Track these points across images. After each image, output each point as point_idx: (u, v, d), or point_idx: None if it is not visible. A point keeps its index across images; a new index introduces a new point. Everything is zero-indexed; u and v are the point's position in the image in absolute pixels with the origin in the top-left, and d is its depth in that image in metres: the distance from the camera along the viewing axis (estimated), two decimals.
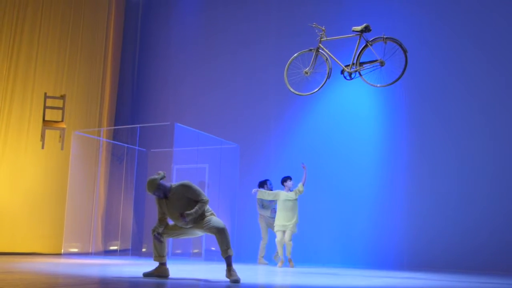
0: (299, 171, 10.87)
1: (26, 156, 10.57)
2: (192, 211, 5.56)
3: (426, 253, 9.54)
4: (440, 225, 9.55)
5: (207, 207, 5.82)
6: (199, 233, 5.90)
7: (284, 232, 8.79)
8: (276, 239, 8.86)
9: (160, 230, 5.77)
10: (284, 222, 8.79)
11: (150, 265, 7.78)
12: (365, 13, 10.52)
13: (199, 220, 5.68)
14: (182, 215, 5.52)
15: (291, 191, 8.99)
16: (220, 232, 5.52)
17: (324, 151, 10.79)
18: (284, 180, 9.13)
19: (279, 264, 8.72)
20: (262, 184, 9.55)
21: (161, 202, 5.78)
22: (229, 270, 5.48)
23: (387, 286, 5.77)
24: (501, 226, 9.06)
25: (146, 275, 5.79)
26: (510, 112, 9.43)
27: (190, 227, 5.74)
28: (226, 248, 5.50)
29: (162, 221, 5.82)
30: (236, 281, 5.37)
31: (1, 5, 10.51)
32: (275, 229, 8.91)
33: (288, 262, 8.71)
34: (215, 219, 5.70)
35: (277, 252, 9.00)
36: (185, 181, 5.78)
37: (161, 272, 5.80)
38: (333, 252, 10.28)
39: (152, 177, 5.67)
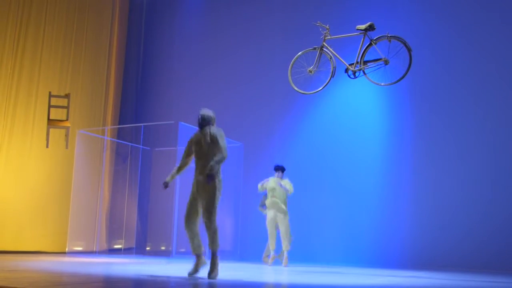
0: (302, 169, 10.89)
1: (31, 155, 10.60)
2: (209, 167, 5.77)
3: (430, 252, 9.52)
4: (444, 224, 9.53)
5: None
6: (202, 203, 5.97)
7: (275, 224, 8.79)
8: (269, 235, 8.88)
9: (170, 181, 6.09)
10: (274, 213, 8.79)
11: (154, 264, 7.80)
12: (369, 11, 10.49)
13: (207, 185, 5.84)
14: (208, 176, 5.74)
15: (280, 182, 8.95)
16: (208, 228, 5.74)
17: (328, 150, 10.78)
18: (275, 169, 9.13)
19: (270, 260, 8.68)
20: None
21: (195, 141, 6.06)
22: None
23: (390, 285, 5.77)
24: (505, 225, 9.03)
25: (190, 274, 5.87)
26: None
27: (202, 190, 5.88)
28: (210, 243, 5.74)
29: (181, 168, 6.18)
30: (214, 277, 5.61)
31: (5, 4, 10.55)
32: (267, 222, 8.89)
33: (282, 259, 8.72)
34: (212, 201, 5.84)
35: (280, 252, 8.97)
36: (217, 128, 6.09)
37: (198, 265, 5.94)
38: (337, 250, 10.26)
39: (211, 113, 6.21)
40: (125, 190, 12.27)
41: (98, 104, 12.11)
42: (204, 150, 5.96)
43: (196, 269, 5.87)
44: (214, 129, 6.05)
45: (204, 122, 6.11)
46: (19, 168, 10.47)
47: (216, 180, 5.89)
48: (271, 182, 9.02)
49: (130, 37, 13.49)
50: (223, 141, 5.98)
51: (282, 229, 8.77)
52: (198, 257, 5.91)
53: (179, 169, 6.20)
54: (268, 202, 8.97)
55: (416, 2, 10.52)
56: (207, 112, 6.20)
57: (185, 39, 13.20)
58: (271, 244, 8.83)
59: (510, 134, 9.37)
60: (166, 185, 6.06)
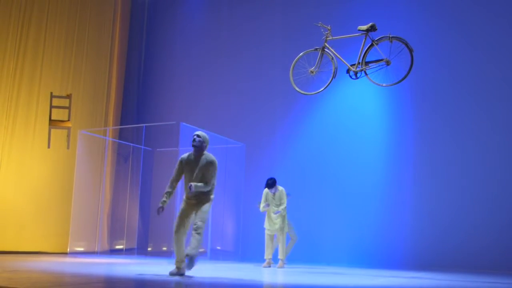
0: (303, 170, 10.89)
1: (32, 155, 10.61)
2: (199, 184, 5.93)
3: (432, 253, 9.51)
4: (446, 225, 9.52)
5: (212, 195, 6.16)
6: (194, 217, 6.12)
7: (272, 234, 8.68)
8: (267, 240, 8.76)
9: (165, 201, 6.08)
10: (271, 224, 8.68)
11: (156, 264, 7.80)
12: (371, 12, 10.49)
13: (200, 202, 6.01)
14: (190, 186, 5.88)
15: (274, 192, 8.75)
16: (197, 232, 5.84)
17: (330, 150, 10.77)
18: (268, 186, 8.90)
19: (265, 264, 8.59)
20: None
21: (186, 161, 6.14)
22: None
23: (393, 285, 5.76)
24: (508, 226, 9.01)
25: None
26: None
27: (192, 208, 6.02)
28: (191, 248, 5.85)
29: (171, 193, 6.18)
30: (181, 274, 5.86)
31: (7, 5, 10.57)
32: (265, 232, 8.76)
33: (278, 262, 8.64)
34: (203, 216, 5.97)
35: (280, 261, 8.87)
36: (213, 158, 6.15)
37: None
38: (339, 251, 10.26)
39: (206, 136, 6.23)
40: (126, 190, 12.27)
41: (100, 104, 12.12)
42: (198, 175, 6.08)
43: (177, 271, 5.99)
44: (210, 158, 6.15)
45: (200, 145, 6.14)
46: (21, 169, 10.48)
47: (211, 197, 6.14)
48: (267, 196, 8.82)
49: (132, 37, 13.50)
50: (215, 172, 6.12)
51: (279, 238, 8.66)
52: (180, 262, 6.00)
53: (170, 194, 6.21)
54: (266, 224, 8.81)
55: (417, 2, 10.52)
56: (203, 135, 6.22)
57: (186, 40, 13.21)
58: (266, 253, 8.72)
59: None
60: (161, 209, 6.07)
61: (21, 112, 10.58)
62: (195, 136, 6.16)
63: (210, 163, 6.09)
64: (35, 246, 10.45)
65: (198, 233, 5.87)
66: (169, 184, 6.21)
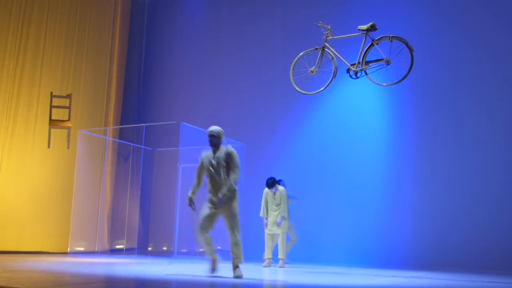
0: (304, 170, 10.88)
1: (33, 155, 10.62)
2: (224, 191, 5.97)
3: (432, 253, 9.51)
4: (446, 225, 9.52)
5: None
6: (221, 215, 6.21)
7: (272, 234, 8.68)
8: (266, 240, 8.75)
9: (193, 196, 6.18)
10: (271, 225, 8.69)
11: (156, 264, 7.80)
12: (371, 12, 10.49)
13: (227, 201, 6.06)
14: (218, 200, 5.98)
15: (275, 191, 8.78)
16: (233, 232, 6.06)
17: (330, 150, 10.77)
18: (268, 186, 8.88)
19: (265, 263, 8.58)
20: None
21: (207, 158, 6.17)
22: (235, 270, 5.94)
23: (393, 285, 5.76)
24: (508, 226, 9.01)
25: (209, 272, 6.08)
26: None
27: (220, 208, 6.09)
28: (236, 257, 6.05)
29: (197, 186, 6.24)
30: (239, 276, 5.83)
31: (7, 5, 10.58)
32: (265, 232, 8.75)
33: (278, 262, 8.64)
34: (233, 214, 6.10)
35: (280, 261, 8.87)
36: (231, 148, 6.21)
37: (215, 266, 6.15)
38: (339, 251, 10.26)
39: (220, 129, 6.24)
40: (127, 190, 12.28)
41: (100, 104, 12.12)
42: (218, 169, 6.10)
43: (214, 268, 6.10)
44: (229, 148, 6.20)
45: (215, 140, 6.19)
46: (21, 168, 10.49)
47: (234, 194, 6.16)
48: (267, 196, 8.82)
49: (132, 37, 13.50)
50: (237, 161, 6.14)
51: (279, 237, 8.66)
52: (214, 260, 6.12)
53: (195, 189, 6.27)
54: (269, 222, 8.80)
55: (417, 2, 10.51)
56: (217, 129, 6.24)
57: (186, 39, 13.21)
58: (266, 253, 8.71)
59: None
60: (191, 203, 6.18)
61: (21, 112, 10.58)
62: (210, 138, 6.17)
63: (229, 154, 6.11)
64: (36, 246, 10.45)
65: (237, 245, 6.08)
66: (194, 181, 6.25)
